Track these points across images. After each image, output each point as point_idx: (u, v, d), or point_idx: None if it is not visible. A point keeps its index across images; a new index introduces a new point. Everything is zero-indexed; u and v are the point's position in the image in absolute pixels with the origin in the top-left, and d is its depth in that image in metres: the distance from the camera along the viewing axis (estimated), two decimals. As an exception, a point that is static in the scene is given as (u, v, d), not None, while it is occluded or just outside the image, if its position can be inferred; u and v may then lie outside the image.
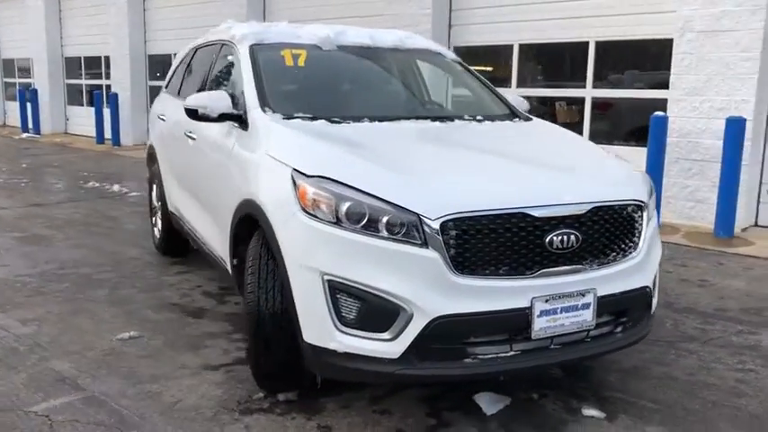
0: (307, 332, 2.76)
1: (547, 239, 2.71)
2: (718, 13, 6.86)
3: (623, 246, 2.94)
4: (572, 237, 2.75)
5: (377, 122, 3.55)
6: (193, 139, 4.29)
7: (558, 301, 2.74)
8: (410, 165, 2.94)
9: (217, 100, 3.64)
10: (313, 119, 3.46)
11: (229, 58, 4.26)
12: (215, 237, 3.96)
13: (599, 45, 8.10)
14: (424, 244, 2.60)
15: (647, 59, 7.83)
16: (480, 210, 2.65)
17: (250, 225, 3.26)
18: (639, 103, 7.78)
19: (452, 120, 3.79)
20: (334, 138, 3.21)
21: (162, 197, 5.34)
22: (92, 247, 5.89)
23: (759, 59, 6.68)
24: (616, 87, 8.11)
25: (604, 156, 3.49)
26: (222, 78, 4.30)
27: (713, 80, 6.95)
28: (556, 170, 3.05)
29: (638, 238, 3.00)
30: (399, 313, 2.61)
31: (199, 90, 4.50)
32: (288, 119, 3.44)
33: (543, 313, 2.71)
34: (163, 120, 5.26)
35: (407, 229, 2.63)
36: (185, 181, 4.63)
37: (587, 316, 2.81)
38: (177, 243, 5.48)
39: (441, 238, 2.59)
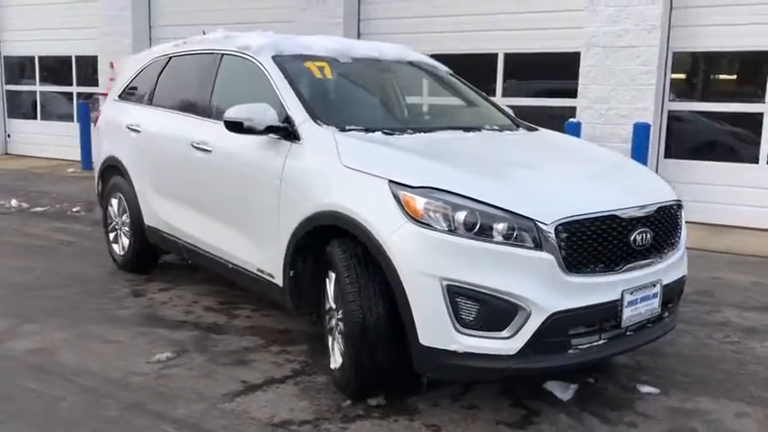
0: (424, 335, 2.89)
1: (631, 238, 3.05)
2: (619, 31, 7.69)
3: (673, 240, 3.36)
4: (648, 234, 3.11)
5: (422, 133, 3.73)
6: (207, 151, 4.18)
7: (639, 291, 3.09)
8: (497, 173, 3.15)
9: (263, 113, 3.62)
10: (366, 131, 3.58)
11: (241, 68, 4.21)
12: (246, 249, 3.91)
13: (508, 57, 8.72)
14: (539, 246, 2.84)
15: (557, 71, 8.54)
16: (584, 214, 2.94)
17: (319, 236, 3.34)
18: (550, 110, 8.48)
19: (479, 130, 4.04)
20: (408, 149, 3.35)
21: (134, 212, 5.09)
22: (45, 269, 5.46)
23: (656, 72, 7.59)
24: (526, 96, 8.77)
25: (629, 161, 3.92)
26: (237, 90, 4.25)
27: (617, 90, 7.78)
28: (617, 176, 3.42)
29: (681, 232, 3.44)
30: (518, 312, 2.83)
31: (198, 102, 4.42)
32: (343, 131, 3.52)
33: (629, 304, 3.05)
34: (137, 131, 5.02)
35: (520, 233, 2.85)
36: (186, 194, 4.47)
37: (656, 304, 3.19)
38: (147, 259, 5.28)
39: (555, 241, 2.84)
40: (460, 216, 2.85)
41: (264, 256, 3.77)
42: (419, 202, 2.91)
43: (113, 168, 5.37)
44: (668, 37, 7.72)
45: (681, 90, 7.98)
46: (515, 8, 8.56)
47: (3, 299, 4.71)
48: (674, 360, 3.85)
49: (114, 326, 4.22)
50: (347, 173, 3.24)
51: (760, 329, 4.35)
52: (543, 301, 2.83)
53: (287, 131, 3.62)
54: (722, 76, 8.13)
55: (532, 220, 2.85)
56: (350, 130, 3.56)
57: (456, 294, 2.84)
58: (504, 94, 8.72)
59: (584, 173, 3.44)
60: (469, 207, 2.86)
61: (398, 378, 3.20)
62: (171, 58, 5.04)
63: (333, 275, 3.27)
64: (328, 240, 3.31)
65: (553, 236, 2.84)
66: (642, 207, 3.14)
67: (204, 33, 4.98)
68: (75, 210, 8.00)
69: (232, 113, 3.64)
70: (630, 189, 3.29)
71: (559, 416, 3.16)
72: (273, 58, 4.02)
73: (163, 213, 4.77)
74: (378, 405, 3.20)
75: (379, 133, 3.55)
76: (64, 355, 3.76)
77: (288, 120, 3.65)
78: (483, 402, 3.27)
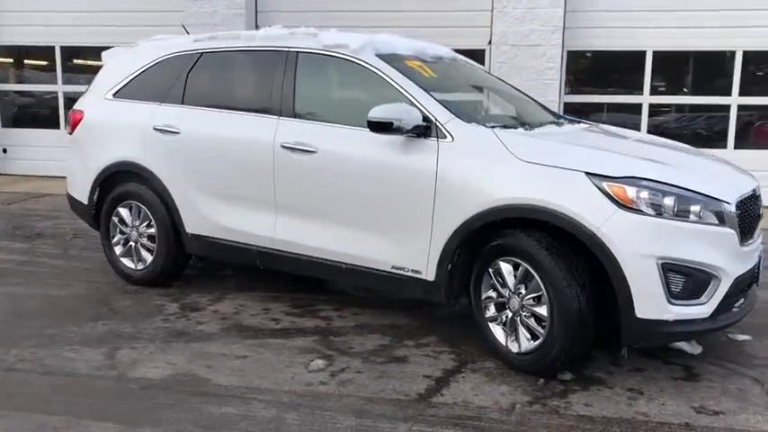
0: (640, 309, 3.25)
1: (758, 212, 3.69)
2: (527, 31, 8.52)
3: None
4: (761, 208, 3.78)
5: (543, 127, 4.07)
6: (309, 152, 4.06)
7: (763, 255, 3.76)
8: (664, 162, 3.59)
9: (408, 113, 3.68)
10: (504, 127, 3.82)
11: (335, 68, 4.20)
12: (375, 248, 3.90)
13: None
14: (723, 223, 3.35)
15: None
16: (745, 193, 3.53)
17: (488, 231, 3.56)
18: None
19: (559, 125, 4.44)
20: (569, 142, 3.69)
21: (164, 221, 4.70)
22: (43, 295, 4.79)
23: (559, 69, 8.54)
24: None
25: (690, 147, 4.57)
26: (334, 90, 4.19)
27: (526, 84, 8.57)
28: (714, 160, 4.03)
29: None
30: (712, 280, 3.32)
31: (269, 102, 4.28)
32: (492, 128, 3.72)
33: (763, 267, 3.70)
34: (173, 132, 4.62)
35: (709, 212, 3.33)
36: (270, 197, 4.24)
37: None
38: (176, 270, 4.93)
39: (735, 217, 3.37)
40: (668, 201, 3.26)
41: (406, 254, 3.82)
42: (629, 191, 3.26)
43: (125, 174, 4.88)
44: (563, 37, 8.71)
45: (574, 84, 9.05)
46: (427, 6, 9.00)
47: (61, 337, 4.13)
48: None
49: (221, 341, 3.95)
50: (529, 167, 3.46)
51: None
52: (730, 268, 3.34)
53: (428, 130, 3.72)
54: (608, 72, 9.30)
55: (719, 200, 3.35)
56: (492, 126, 3.76)
57: (668, 270, 3.24)
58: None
59: (700, 160, 3.99)
60: (673, 192, 3.28)
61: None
62: (202, 54, 4.72)
63: (503, 265, 3.52)
64: (494, 233, 3.54)
65: (734, 213, 3.37)
66: (754, 187, 3.80)
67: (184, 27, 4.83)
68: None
69: (379, 114, 3.65)
70: (740, 173, 3.93)
71: (710, 367, 3.72)
72: (379, 57, 4.04)
73: (223, 220, 4.49)
74: (571, 379, 3.50)
75: (521, 128, 3.82)
76: (217, 376, 3.49)
77: (427, 119, 3.74)
78: (649, 367, 3.70)
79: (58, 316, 4.32)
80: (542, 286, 3.39)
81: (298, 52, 4.31)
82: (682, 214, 3.28)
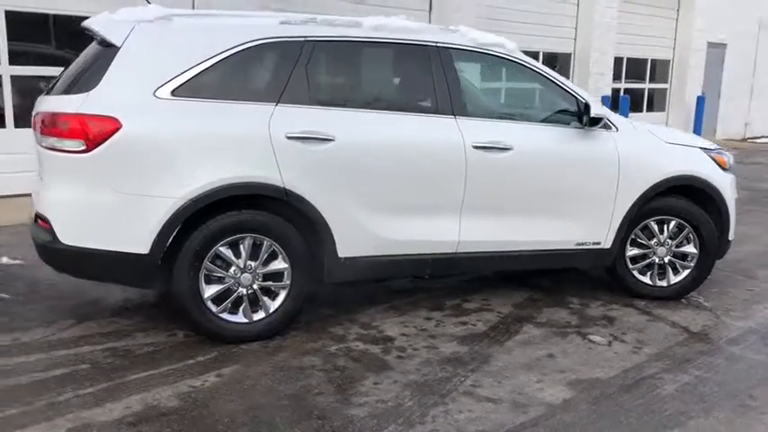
0: (730, 234, 4.91)
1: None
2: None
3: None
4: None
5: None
6: (503, 150, 4.12)
7: None
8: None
9: (603, 109, 4.33)
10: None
11: (495, 65, 4.33)
12: (561, 231, 4.38)
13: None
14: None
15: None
16: None
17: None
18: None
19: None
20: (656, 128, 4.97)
21: (312, 248, 3.82)
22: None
23: None
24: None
25: None
26: (499, 87, 4.24)
27: None
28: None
29: None
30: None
31: (429, 100, 4.11)
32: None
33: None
34: (325, 139, 3.71)
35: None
36: (455, 201, 4.05)
37: None
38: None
39: (727, 167, 5.33)
40: (732, 162, 4.98)
41: (588, 230, 4.46)
42: (726, 158, 4.85)
43: (231, 201, 3.63)
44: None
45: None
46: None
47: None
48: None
49: (482, 344, 3.81)
50: (674, 148, 4.68)
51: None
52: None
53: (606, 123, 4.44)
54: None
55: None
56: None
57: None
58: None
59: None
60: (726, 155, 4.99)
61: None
62: (315, 43, 3.86)
63: (672, 221, 4.67)
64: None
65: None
66: None
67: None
68: None
69: (597, 111, 4.24)
70: None
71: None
72: (516, 51, 4.39)
73: (392, 233, 3.97)
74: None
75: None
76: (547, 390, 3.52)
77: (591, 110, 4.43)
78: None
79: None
80: (693, 233, 4.68)
81: (449, 48, 4.14)
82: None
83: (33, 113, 3.80)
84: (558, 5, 12.46)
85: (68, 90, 3.59)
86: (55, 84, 3.97)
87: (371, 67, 4.32)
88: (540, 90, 4.42)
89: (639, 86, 14.98)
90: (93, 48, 3.80)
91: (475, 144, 4.08)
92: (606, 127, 4.44)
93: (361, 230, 3.93)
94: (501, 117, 4.47)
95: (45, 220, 3.56)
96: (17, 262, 5.10)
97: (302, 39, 3.86)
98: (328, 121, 3.80)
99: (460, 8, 9.94)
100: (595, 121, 4.33)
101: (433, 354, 3.78)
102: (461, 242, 4.18)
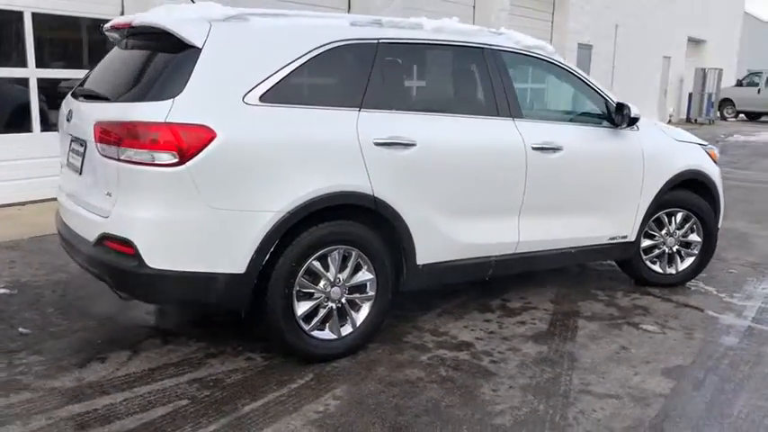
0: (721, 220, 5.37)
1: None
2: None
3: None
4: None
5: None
6: (555, 150, 4.21)
7: None
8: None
9: (635, 110, 4.56)
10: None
11: (537, 67, 4.46)
12: (596, 227, 4.56)
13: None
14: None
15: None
16: None
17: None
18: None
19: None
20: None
21: (394, 258, 3.70)
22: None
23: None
24: None
25: None
26: (543, 89, 4.33)
27: None
28: None
29: None
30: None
31: (484, 102, 4.15)
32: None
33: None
34: (407, 144, 3.58)
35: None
36: (517, 202, 4.09)
37: None
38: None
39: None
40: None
41: (619, 224, 4.69)
42: (716, 152, 5.28)
43: (322, 212, 3.43)
44: None
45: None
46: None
47: None
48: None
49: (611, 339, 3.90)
50: (683, 144, 5.03)
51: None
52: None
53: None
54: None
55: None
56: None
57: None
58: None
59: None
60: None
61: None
62: (388, 45, 3.73)
63: (680, 212, 5.01)
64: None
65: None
66: None
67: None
68: None
69: (636, 112, 4.45)
70: None
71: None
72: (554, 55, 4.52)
73: (464, 237, 3.93)
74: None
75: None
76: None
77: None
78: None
79: None
80: (698, 223, 5.05)
81: (500, 51, 4.17)
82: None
83: (83, 120, 3.37)
84: (455, 7, 12.82)
85: (142, 96, 3.20)
86: (82, 84, 3.59)
87: (437, 70, 4.25)
88: (575, 92, 4.57)
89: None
90: (155, 48, 3.42)
91: (534, 145, 4.15)
92: (625, 126, 4.68)
93: (439, 236, 3.86)
94: (547, 118, 4.58)
95: (125, 243, 3.15)
96: (5, 291, 4.48)
97: (376, 41, 3.72)
98: (409, 126, 3.69)
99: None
100: (633, 121, 4.54)
101: (521, 356, 3.80)
102: (521, 242, 4.24)
